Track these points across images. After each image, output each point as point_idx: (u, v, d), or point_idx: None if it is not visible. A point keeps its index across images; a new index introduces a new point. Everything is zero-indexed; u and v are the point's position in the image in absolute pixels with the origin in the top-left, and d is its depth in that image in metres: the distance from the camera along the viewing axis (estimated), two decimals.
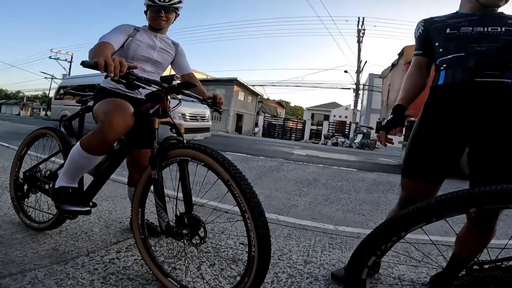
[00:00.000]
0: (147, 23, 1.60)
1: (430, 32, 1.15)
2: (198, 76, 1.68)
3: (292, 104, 70.96)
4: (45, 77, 33.04)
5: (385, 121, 1.22)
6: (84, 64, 1.01)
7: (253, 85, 30.17)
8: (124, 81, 1.08)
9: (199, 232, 1.11)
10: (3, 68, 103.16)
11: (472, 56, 1.02)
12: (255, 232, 0.95)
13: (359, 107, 24.00)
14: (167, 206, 1.16)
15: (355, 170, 5.98)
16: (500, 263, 0.75)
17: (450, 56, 1.07)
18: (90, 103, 1.57)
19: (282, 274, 1.40)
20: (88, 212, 1.36)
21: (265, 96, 37.31)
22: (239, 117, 29.86)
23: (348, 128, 24.24)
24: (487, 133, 1.01)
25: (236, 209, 1.01)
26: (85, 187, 1.44)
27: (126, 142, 1.32)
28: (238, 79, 27.48)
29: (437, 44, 1.12)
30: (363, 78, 23.45)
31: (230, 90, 27.13)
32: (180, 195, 1.16)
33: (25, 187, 1.70)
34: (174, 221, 1.14)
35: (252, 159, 6.00)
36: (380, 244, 0.80)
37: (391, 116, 1.20)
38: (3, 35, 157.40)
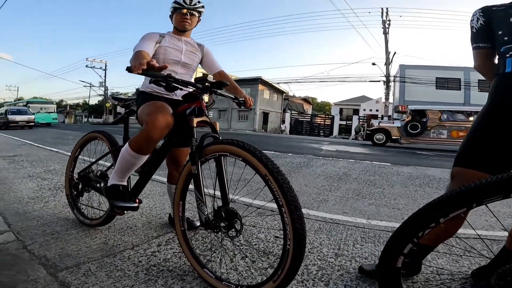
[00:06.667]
0: (170, 29, 1.71)
1: (492, 21, 1.16)
2: None
3: (318, 100, 69.28)
4: (84, 85, 35.51)
5: None
6: (129, 69, 1.12)
7: (277, 83, 29.70)
8: (163, 84, 1.19)
9: (235, 225, 1.16)
10: (45, 78, 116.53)
11: None
12: (291, 226, 0.95)
13: (391, 100, 22.90)
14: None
15: (388, 164, 5.74)
16: None
17: None
18: (133, 107, 1.71)
19: (313, 266, 1.41)
20: (136, 208, 1.47)
21: (290, 93, 36.70)
22: (265, 115, 29.78)
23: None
24: None
25: (269, 204, 1.03)
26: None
27: (167, 141, 1.42)
28: (262, 77, 27.30)
29: (500, 32, 1.13)
30: (393, 70, 22.24)
31: (255, 89, 27.13)
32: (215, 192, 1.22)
33: (80, 186, 1.87)
34: (212, 214, 1.19)
35: (280, 155, 6.01)
36: (418, 230, 0.77)
37: None
38: (39, 46, 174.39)
